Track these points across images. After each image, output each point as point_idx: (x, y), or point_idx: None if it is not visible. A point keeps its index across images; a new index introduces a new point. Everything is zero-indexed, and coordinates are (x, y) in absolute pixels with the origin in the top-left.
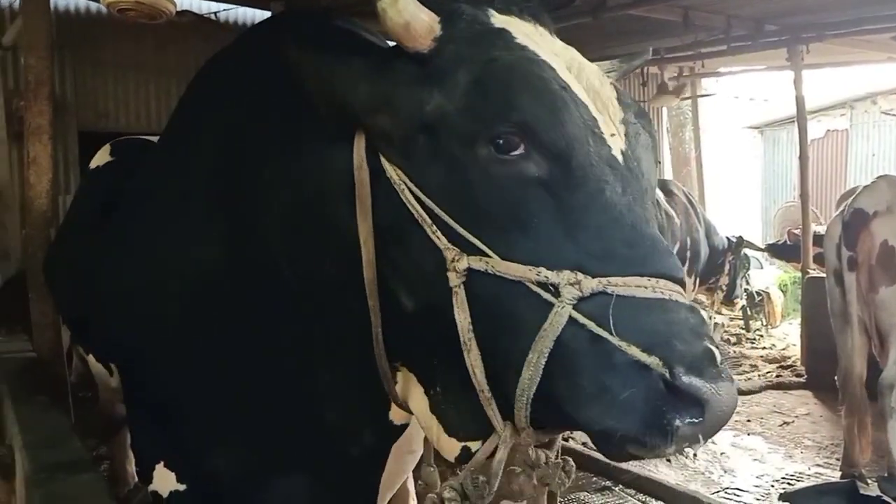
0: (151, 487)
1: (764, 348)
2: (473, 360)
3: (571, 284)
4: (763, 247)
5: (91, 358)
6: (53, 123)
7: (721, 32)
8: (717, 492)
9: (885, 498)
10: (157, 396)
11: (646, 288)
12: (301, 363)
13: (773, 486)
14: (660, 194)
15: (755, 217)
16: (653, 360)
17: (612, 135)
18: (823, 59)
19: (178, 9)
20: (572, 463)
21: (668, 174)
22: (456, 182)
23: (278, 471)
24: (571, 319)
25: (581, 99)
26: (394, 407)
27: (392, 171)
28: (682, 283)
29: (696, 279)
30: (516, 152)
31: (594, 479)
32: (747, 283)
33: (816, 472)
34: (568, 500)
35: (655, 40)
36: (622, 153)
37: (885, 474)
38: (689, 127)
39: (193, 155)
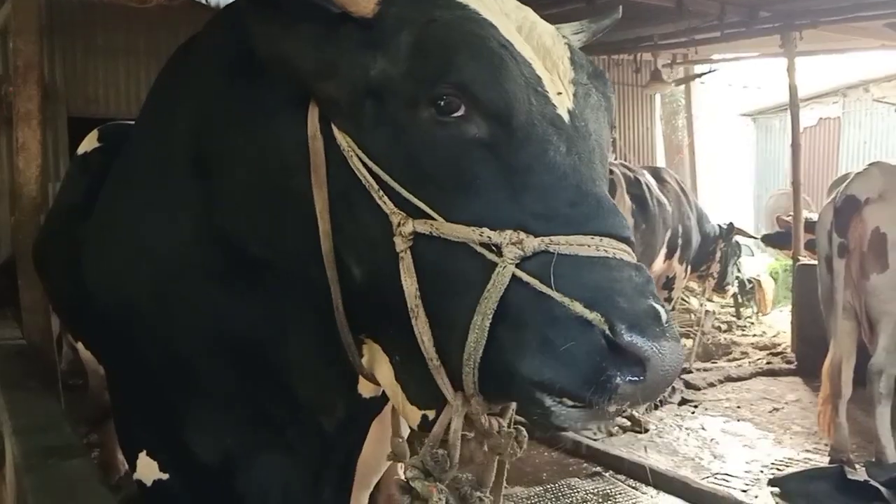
0: (136, 476)
1: (754, 335)
2: (421, 326)
3: (514, 244)
4: (759, 236)
5: (80, 345)
6: (43, 109)
7: (715, 19)
8: (707, 477)
9: (873, 482)
10: (136, 383)
11: (588, 246)
12: (271, 338)
13: (762, 471)
14: (652, 182)
15: (747, 205)
16: (594, 316)
17: (559, 93)
18: (817, 46)
19: None
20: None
21: (660, 161)
22: (401, 146)
23: (256, 451)
24: (515, 278)
25: (524, 57)
26: (362, 379)
27: (342, 139)
28: (627, 242)
29: (687, 267)
30: (457, 113)
31: (584, 465)
32: (738, 270)
33: (805, 458)
34: (558, 485)
35: (649, 26)
36: (569, 112)
37: (873, 459)
38: (681, 114)
39: (169, 135)
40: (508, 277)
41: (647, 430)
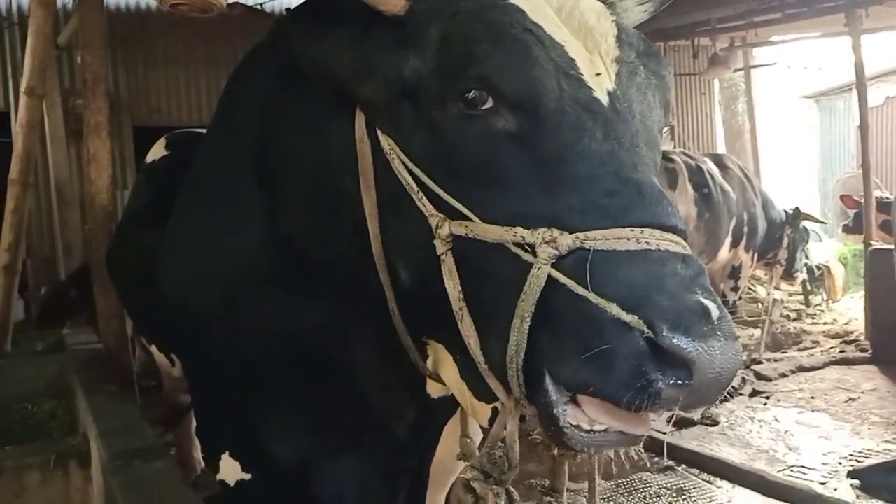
0: (219, 477)
1: (825, 323)
2: (467, 329)
3: (547, 243)
4: (826, 221)
5: (154, 348)
6: (110, 120)
7: (775, 0)
8: (783, 470)
9: None
10: (216, 386)
11: (628, 240)
12: (335, 342)
13: (840, 463)
14: (714, 169)
15: (813, 189)
16: (631, 318)
17: (598, 74)
18: (883, 24)
19: (229, 1)
20: None
21: (720, 148)
22: (436, 145)
23: (331, 454)
24: (551, 279)
25: (556, 40)
26: (430, 380)
27: (384, 141)
28: (675, 231)
29: (754, 255)
30: (485, 106)
31: (656, 458)
32: (807, 257)
33: (885, 449)
34: (630, 480)
35: (707, 10)
36: (609, 94)
37: None
38: (741, 99)
39: (234, 143)
40: (544, 279)
41: (717, 423)
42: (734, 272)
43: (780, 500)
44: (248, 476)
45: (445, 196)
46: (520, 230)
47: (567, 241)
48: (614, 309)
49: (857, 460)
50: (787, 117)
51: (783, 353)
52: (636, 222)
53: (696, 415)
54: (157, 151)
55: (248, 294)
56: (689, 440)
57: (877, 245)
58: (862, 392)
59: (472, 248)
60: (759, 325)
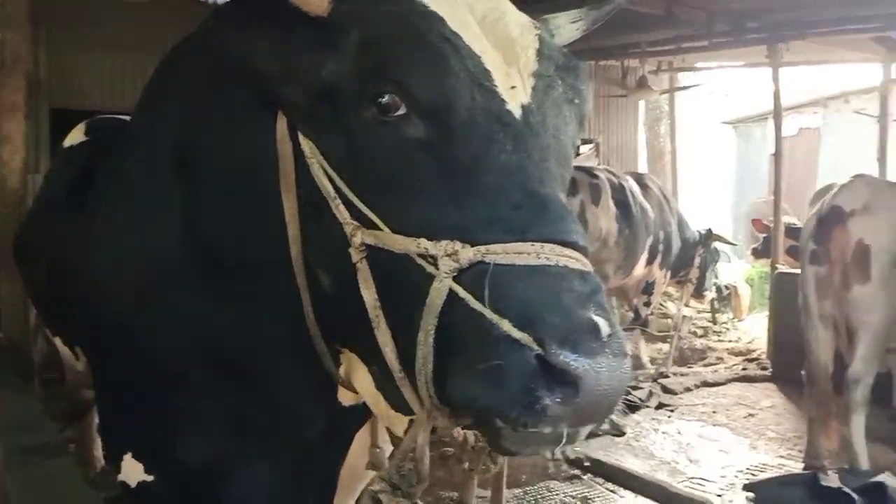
0: (120, 478)
1: (730, 341)
2: (383, 337)
3: (449, 255)
4: (736, 243)
5: (58, 340)
6: (28, 101)
7: (703, 28)
8: (683, 481)
9: (845, 489)
10: (122, 384)
11: (528, 254)
12: (249, 345)
13: (737, 476)
14: (635, 187)
15: (726, 211)
16: (522, 335)
17: (513, 87)
18: (801, 58)
19: None
20: None
21: (642, 167)
22: (352, 151)
23: (239, 457)
24: (452, 293)
25: (474, 50)
26: (341, 387)
27: (305, 144)
28: (575, 247)
29: (667, 272)
30: (397, 113)
31: (564, 467)
32: (716, 276)
33: (780, 464)
34: (538, 488)
35: (638, 33)
36: (522, 107)
37: (847, 466)
38: (664, 121)
39: (157, 136)
40: (445, 292)
41: (623, 434)
42: (647, 288)
43: None
44: (150, 478)
45: (359, 204)
46: (423, 241)
47: (468, 254)
48: (506, 325)
49: (752, 474)
50: (706, 141)
51: (689, 367)
52: (538, 237)
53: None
54: (76, 136)
55: (159, 292)
56: (596, 449)
57: (783, 269)
58: (761, 408)
59: (382, 259)
60: (668, 339)
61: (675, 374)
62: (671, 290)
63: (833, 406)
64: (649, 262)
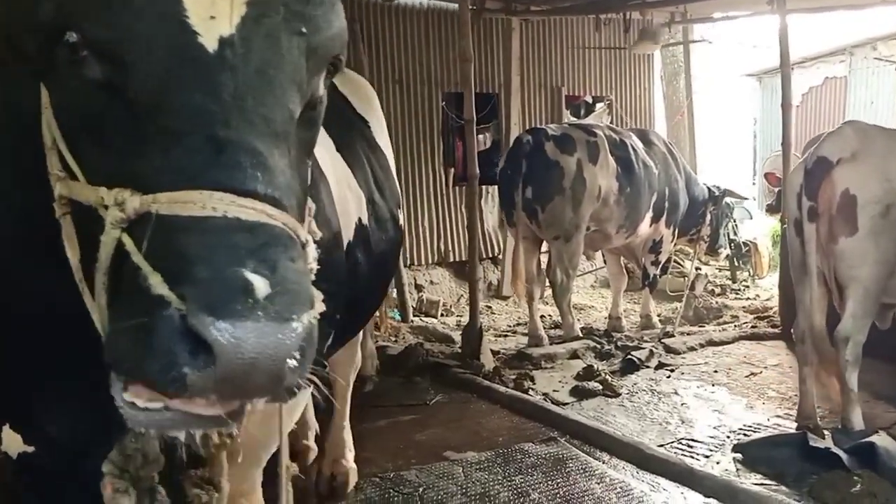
0: (2, 448)
1: (748, 299)
2: (87, 299)
3: (118, 205)
4: (750, 198)
5: None
6: None
7: None
8: (671, 442)
9: (834, 449)
10: None
11: (194, 204)
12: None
13: (728, 436)
14: (639, 144)
15: (749, 167)
16: (169, 294)
17: (212, 17)
18: (808, 4)
19: None
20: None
21: (660, 124)
22: (57, 98)
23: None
24: (120, 245)
25: None
26: None
27: (44, 95)
28: (255, 195)
29: (674, 230)
30: (82, 54)
31: (543, 429)
32: (734, 233)
33: (775, 423)
34: (510, 450)
35: None
36: (220, 39)
37: (839, 426)
38: (683, 75)
39: None
40: (113, 245)
41: (619, 395)
42: (655, 246)
43: (654, 473)
44: (30, 449)
45: (65, 153)
46: (102, 190)
47: (135, 203)
48: (156, 280)
49: (745, 434)
50: (729, 94)
51: (701, 327)
52: (210, 184)
53: (589, 385)
54: None
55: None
56: (588, 410)
57: None
58: (765, 367)
59: (77, 212)
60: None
61: (682, 333)
62: (687, 248)
63: (824, 365)
64: (655, 220)
